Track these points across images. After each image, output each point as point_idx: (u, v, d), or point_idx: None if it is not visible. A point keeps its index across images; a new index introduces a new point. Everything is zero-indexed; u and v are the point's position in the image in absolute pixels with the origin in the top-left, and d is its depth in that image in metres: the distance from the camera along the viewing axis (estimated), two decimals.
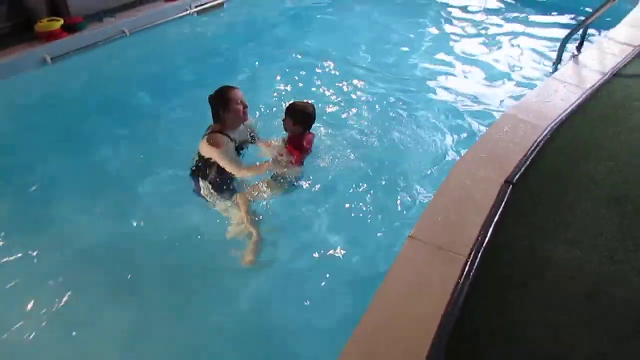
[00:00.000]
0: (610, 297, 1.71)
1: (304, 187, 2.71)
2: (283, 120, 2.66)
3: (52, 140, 3.33)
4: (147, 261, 2.48)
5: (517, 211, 2.07)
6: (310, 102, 2.74)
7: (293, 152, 2.62)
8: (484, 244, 1.89)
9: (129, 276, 2.38)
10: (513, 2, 5.51)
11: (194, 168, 2.66)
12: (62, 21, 4.21)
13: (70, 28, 4.26)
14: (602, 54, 3.36)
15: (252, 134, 2.87)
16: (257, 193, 2.63)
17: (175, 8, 4.94)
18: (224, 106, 2.60)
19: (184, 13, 4.98)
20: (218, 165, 2.55)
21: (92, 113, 3.67)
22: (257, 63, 4.35)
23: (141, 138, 3.40)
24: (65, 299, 2.23)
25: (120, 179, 3.01)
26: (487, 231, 1.94)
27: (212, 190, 2.60)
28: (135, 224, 2.65)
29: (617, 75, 3.09)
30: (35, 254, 2.45)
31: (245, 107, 2.65)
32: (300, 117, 2.62)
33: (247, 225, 2.54)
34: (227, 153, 2.54)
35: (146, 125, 3.52)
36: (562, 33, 4.45)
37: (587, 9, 4.71)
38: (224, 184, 2.61)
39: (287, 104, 2.69)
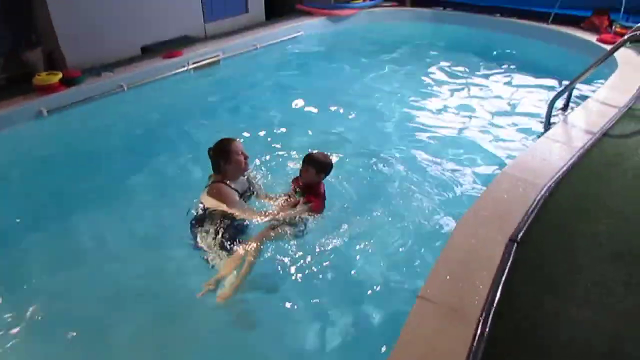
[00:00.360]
0: (627, 357, 1.68)
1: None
2: (302, 170, 2.77)
3: (41, 196, 3.29)
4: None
5: (524, 269, 2.06)
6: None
7: (314, 200, 2.72)
8: (495, 304, 1.86)
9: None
10: (500, 65, 5.75)
11: (194, 221, 2.62)
12: (60, 75, 4.26)
13: (68, 82, 4.30)
14: (590, 115, 3.49)
15: (251, 187, 2.92)
16: (274, 235, 2.61)
17: (173, 64, 5.06)
18: (225, 158, 2.67)
19: (182, 69, 5.09)
20: (221, 216, 2.51)
21: (86, 167, 3.64)
22: (251, 118, 4.42)
23: (135, 194, 3.35)
24: None
25: (111, 237, 2.93)
26: (497, 290, 1.92)
27: (213, 241, 2.53)
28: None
29: (606, 134, 3.20)
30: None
31: (246, 157, 2.75)
32: (322, 166, 2.77)
33: (248, 259, 2.46)
34: (235, 201, 2.55)
35: (140, 181, 3.48)
36: (548, 94, 4.73)
37: (570, 69, 4.98)
38: (228, 234, 2.55)
39: (306, 155, 2.82)
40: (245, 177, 2.89)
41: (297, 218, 2.66)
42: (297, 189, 2.83)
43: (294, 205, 2.71)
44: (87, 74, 4.55)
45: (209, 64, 5.40)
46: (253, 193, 2.91)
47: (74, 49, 4.67)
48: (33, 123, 4.02)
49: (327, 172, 2.82)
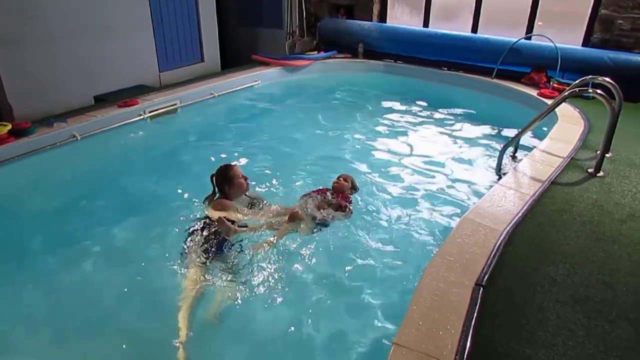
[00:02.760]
0: None
1: None
2: (341, 180, 3.55)
3: None
4: None
5: (491, 313, 2.11)
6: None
7: (343, 200, 3.41)
8: (467, 349, 1.89)
9: None
10: (450, 116, 6.06)
11: (190, 230, 2.96)
12: (9, 126, 4.09)
13: (18, 133, 4.13)
14: (537, 164, 3.70)
15: (254, 201, 3.37)
16: (296, 229, 3.08)
17: (129, 113, 4.97)
18: (228, 183, 3.19)
19: (138, 118, 5.01)
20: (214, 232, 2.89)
21: (35, 219, 3.48)
22: (210, 165, 4.34)
23: (87, 248, 3.20)
24: None
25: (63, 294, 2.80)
26: (468, 335, 1.95)
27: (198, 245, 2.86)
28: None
29: (554, 182, 3.40)
30: None
31: (245, 179, 3.26)
32: (355, 188, 3.70)
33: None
34: (235, 209, 3.05)
35: (94, 234, 3.34)
36: (496, 143, 5.00)
37: (514, 120, 5.32)
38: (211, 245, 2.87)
39: (348, 175, 3.67)
40: (247, 195, 3.36)
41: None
42: (331, 193, 3.47)
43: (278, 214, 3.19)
44: (39, 125, 4.38)
45: (166, 113, 5.36)
46: (255, 205, 3.36)
47: (23, 100, 4.56)
48: None
49: (356, 191, 3.71)
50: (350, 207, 3.43)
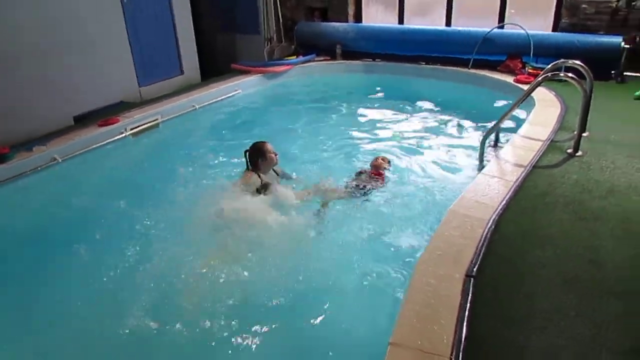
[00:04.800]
0: None
1: None
2: (380, 159, 4.23)
3: None
4: None
5: (483, 303, 2.14)
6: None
7: (379, 174, 4.07)
8: (462, 341, 1.91)
9: None
10: (431, 109, 6.11)
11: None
12: None
13: None
14: (518, 150, 3.76)
15: (280, 176, 3.93)
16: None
17: (110, 132, 4.94)
18: (261, 156, 3.73)
19: (119, 136, 4.98)
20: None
21: (17, 246, 3.44)
22: (195, 178, 4.34)
23: (70, 276, 3.15)
24: None
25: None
26: (462, 327, 1.97)
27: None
28: None
29: (535, 166, 3.45)
30: None
31: (275, 155, 3.79)
32: (389, 163, 4.30)
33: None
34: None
35: (78, 260, 3.26)
36: (478, 132, 5.06)
37: (494, 107, 5.39)
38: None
39: (380, 158, 4.27)
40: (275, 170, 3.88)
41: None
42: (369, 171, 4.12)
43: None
44: (17, 150, 4.34)
45: (148, 128, 5.33)
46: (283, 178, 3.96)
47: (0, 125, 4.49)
48: None
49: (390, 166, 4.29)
50: (383, 178, 4.08)
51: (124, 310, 2.68)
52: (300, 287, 2.82)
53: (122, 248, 3.30)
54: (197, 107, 5.87)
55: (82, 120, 5.32)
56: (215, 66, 7.88)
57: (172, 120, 5.61)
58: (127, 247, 3.32)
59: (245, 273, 2.92)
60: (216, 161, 4.77)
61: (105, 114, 5.34)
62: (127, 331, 2.56)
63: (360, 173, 4.14)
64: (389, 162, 4.38)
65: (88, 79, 5.58)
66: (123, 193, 4.17)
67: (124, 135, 5.02)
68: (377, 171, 4.14)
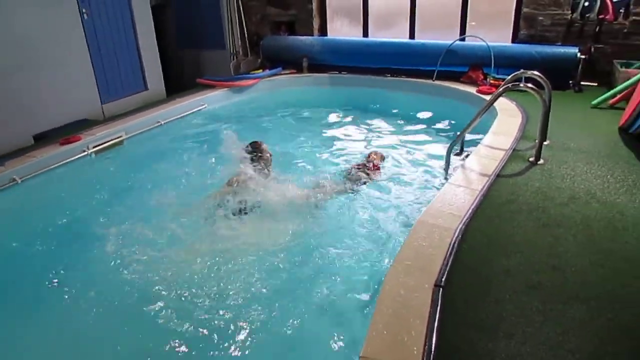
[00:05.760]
0: None
1: None
2: (372, 155, 4.75)
3: None
4: None
5: (452, 313, 2.16)
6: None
7: (375, 169, 4.52)
8: (432, 351, 1.92)
9: None
10: (397, 120, 6.20)
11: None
12: None
13: None
14: (482, 159, 3.84)
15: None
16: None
17: (72, 150, 4.79)
18: (259, 152, 4.46)
19: (82, 154, 4.84)
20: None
21: None
22: (161, 194, 4.26)
23: (30, 302, 3.05)
24: None
25: None
26: (432, 337, 1.98)
27: None
28: None
29: (499, 175, 3.53)
30: None
31: (270, 155, 4.52)
32: (383, 159, 4.82)
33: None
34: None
35: (40, 287, 3.17)
36: (443, 142, 5.15)
37: (458, 118, 5.50)
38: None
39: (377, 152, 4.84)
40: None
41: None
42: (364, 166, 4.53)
43: None
44: None
45: (112, 146, 5.21)
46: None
47: None
48: None
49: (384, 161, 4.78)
50: (377, 172, 4.52)
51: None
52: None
53: (89, 270, 3.23)
54: (162, 122, 5.78)
55: (43, 139, 5.17)
56: (181, 81, 7.81)
57: (136, 137, 5.50)
58: (93, 269, 3.25)
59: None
60: (182, 176, 4.70)
61: (66, 132, 5.19)
62: None
63: (350, 171, 4.50)
64: (382, 157, 4.77)
65: (48, 97, 5.44)
66: (86, 213, 4.07)
67: (86, 153, 4.89)
68: (367, 164, 4.54)
